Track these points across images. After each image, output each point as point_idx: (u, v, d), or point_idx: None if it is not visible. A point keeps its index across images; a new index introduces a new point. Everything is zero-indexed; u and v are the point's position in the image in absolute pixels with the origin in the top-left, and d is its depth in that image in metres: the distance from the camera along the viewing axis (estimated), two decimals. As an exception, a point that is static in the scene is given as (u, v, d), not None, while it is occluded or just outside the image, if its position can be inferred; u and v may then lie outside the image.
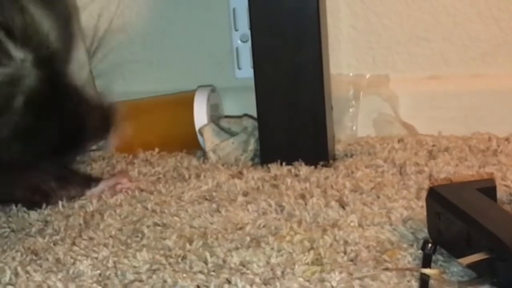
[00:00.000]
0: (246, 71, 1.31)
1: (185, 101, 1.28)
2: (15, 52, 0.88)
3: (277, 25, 1.15)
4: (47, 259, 0.89)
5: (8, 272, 0.85)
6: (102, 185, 1.11)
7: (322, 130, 1.16)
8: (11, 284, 0.82)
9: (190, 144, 1.28)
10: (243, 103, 1.30)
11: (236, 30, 1.33)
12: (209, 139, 1.24)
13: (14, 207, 1.06)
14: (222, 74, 1.35)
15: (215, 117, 1.29)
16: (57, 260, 0.88)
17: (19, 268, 0.86)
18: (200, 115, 1.27)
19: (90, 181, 1.12)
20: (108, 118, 1.05)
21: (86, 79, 1.09)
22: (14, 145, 0.90)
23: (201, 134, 1.25)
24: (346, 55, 1.32)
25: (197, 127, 1.26)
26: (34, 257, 0.90)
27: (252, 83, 1.18)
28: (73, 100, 0.95)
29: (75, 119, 0.96)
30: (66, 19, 0.96)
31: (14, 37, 0.88)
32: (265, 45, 1.16)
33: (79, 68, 1.01)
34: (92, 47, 1.08)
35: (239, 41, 1.33)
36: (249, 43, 1.28)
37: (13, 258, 0.89)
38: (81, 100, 0.97)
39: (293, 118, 1.17)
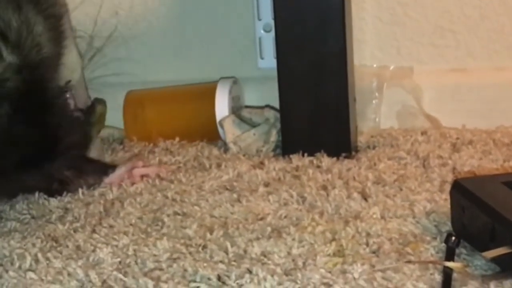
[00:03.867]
0: (269, 61, 1.30)
1: (207, 93, 1.28)
2: (6, 54, 0.87)
3: (301, 15, 1.14)
4: (67, 246, 0.89)
5: (29, 258, 0.85)
6: (119, 171, 1.10)
7: (345, 121, 1.15)
8: (32, 270, 0.82)
9: (211, 135, 1.28)
10: (264, 93, 1.29)
11: (259, 19, 1.32)
12: (229, 131, 1.23)
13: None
14: (244, 64, 1.34)
15: (236, 109, 1.29)
16: (77, 247, 0.88)
17: (39, 255, 0.86)
18: (222, 107, 1.26)
19: (106, 168, 1.12)
20: (85, 133, 1.04)
21: (78, 81, 1.09)
22: None
23: (222, 126, 1.25)
24: (370, 46, 1.31)
25: (218, 119, 1.26)
26: (54, 244, 0.89)
27: (274, 73, 1.17)
28: (53, 108, 0.94)
29: (53, 127, 0.95)
30: (58, 20, 0.96)
31: (7, 39, 0.87)
32: (289, 35, 1.15)
33: (70, 71, 1.01)
34: (89, 50, 1.08)
35: (262, 31, 1.32)
36: (272, 33, 1.27)
37: (34, 245, 0.89)
38: (60, 109, 0.96)
39: (315, 109, 1.16)
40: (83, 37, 1.18)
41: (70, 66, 1.04)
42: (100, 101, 1.24)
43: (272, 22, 1.24)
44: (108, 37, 1.14)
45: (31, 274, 0.81)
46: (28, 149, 0.92)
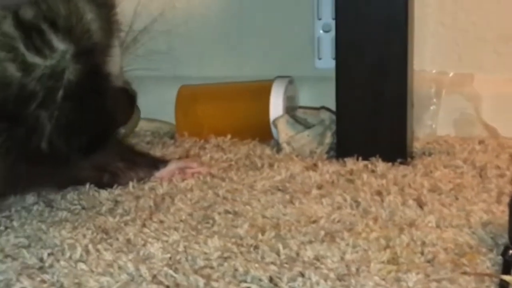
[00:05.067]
0: (327, 62, 1.29)
1: (262, 91, 1.27)
2: (58, 43, 0.87)
3: (363, 16, 1.12)
4: (118, 239, 0.88)
5: (79, 249, 0.84)
6: (170, 167, 1.10)
7: (402, 126, 1.14)
8: (82, 261, 0.82)
9: (263, 134, 1.27)
10: (320, 94, 1.28)
11: (319, 19, 1.31)
12: (283, 131, 1.22)
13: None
14: (301, 63, 1.33)
15: (291, 109, 1.28)
16: (128, 241, 0.88)
17: (90, 246, 0.85)
18: (276, 107, 1.25)
19: (157, 162, 1.11)
20: (132, 103, 1.04)
21: (117, 75, 1.09)
22: (55, 140, 0.89)
23: (275, 126, 1.24)
24: (430, 51, 1.30)
25: (271, 118, 1.25)
26: (104, 236, 0.89)
27: (331, 74, 1.16)
28: (110, 92, 0.94)
29: (111, 111, 0.95)
30: (109, 10, 0.95)
31: (57, 28, 0.87)
32: (349, 36, 1.13)
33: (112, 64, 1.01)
34: (127, 38, 1.07)
35: (321, 31, 1.31)
36: (331, 33, 1.26)
37: (84, 235, 0.89)
38: (115, 91, 0.96)
39: (372, 113, 1.14)
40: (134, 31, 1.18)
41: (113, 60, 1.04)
42: (137, 110, 1.25)
43: (331, 22, 1.23)
44: (144, 29, 1.13)
45: (81, 265, 0.81)
46: (88, 137, 0.92)
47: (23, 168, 0.91)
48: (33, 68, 0.85)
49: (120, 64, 1.10)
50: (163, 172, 1.10)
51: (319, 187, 1.04)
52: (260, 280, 0.77)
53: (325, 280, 0.76)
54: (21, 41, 0.85)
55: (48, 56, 0.86)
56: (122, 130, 1.15)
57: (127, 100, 1.07)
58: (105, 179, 1.07)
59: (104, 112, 0.93)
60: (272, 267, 0.80)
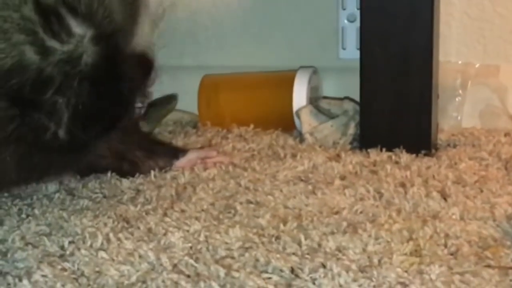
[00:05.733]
0: (351, 52, 1.28)
1: (285, 81, 1.26)
2: (76, 28, 0.86)
3: (389, 6, 1.11)
4: (139, 228, 0.88)
5: (100, 238, 0.84)
6: (189, 156, 1.09)
7: (426, 118, 1.12)
8: (103, 250, 0.81)
9: (286, 124, 1.26)
10: (344, 84, 1.27)
11: (344, 9, 1.30)
12: (306, 121, 1.21)
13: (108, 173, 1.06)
14: (325, 53, 1.32)
15: (314, 99, 1.27)
16: (149, 230, 0.87)
17: (111, 235, 0.85)
18: (300, 97, 1.25)
19: (177, 151, 1.11)
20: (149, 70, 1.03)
21: (148, 49, 1.08)
22: (73, 125, 0.88)
23: (298, 116, 1.23)
24: (456, 42, 1.28)
25: (295, 108, 1.24)
26: (125, 225, 0.89)
27: (356, 64, 1.14)
28: (129, 75, 0.93)
29: (130, 96, 0.94)
30: None
31: (76, 12, 0.86)
32: (374, 26, 1.12)
33: (141, 39, 1.00)
34: (157, 17, 1.06)
35: (345, 21, 1.30)
36: (355, 23, 1.25)
37: (105, 224, 0.89)
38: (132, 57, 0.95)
39: (397, 104, 1.13)
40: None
41: (141, 35, 1.03)
42: (173, 99, 1.25)
43: (356, 12, 1.22)
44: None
45: (102, 254, 0.80)
46: (106, 121, 0.92)
47: (37, 156, 0.90)
48: (51, 52, 0.85)
49: (148, 39, 1.09)
50: (182, 161, 1.09)
51: (342, 178, 1.04)
52: (281, 271, 0.77)
53: (347, 272, 0.75)
54: (40, 25, 0.84)
55: (65, 40, 0.85)
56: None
57: (143, 67, 1.06)
58: (125, 168, 1.06)
59: (122, 97, 0.93)
60: (294, 258, 0.79)
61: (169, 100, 1.32)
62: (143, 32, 1.01)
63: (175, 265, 0.78)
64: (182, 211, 0.93)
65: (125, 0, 0.93)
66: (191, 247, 0.83)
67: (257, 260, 0.79)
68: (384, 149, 1.13)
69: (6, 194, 1.00)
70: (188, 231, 0.87)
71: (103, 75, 0.88)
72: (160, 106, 1.30)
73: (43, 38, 0.85)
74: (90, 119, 0.89)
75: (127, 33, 0.94)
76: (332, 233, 0.85)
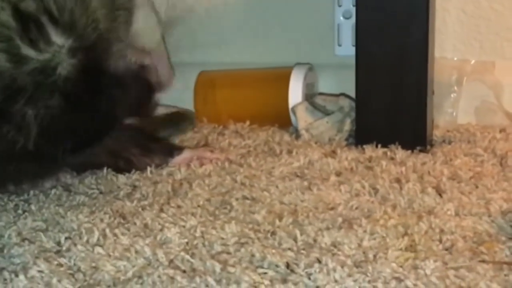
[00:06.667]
0: (347, 49, 1.28)
1: (281, 78, 1.26)
2: (55, 37, 0.85)
3: (385, 2, 1.11)
4: (135, 223, 0.88)
5: (97, 233, 0.84)
6: (185, 154, 1.10)
7: (422, 114, 1.13)
8: (99, 245, 0.82)
9: (282, 120, 1.27)
10: (340, 81, 1.27)
11: (339, 6, 1.30)
12: (302, 118, 1.22)
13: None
14: (321, 50, 1.32)
15: (310, 96, 1.27)
16: (145, 225, 0.88)
17: (107, 230, 0.85)
18: (295, 94, 1.25)
19: (173, 149, 1.11)
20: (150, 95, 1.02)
21: (158, 48, 1.08)
22: (42, 139, 0.87)
23: (294, 113, 1.23)
24: (452, 39, 1.28)
25: (290, 105, 1.24)
26: (122, 220, 0.89)
27: (351, 61, 1.15)
28: (111, 86, 0.91)
29: (108, 111, 0.93)
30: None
31: (57, 21, 0.84)
32: (369, 22, 1.12)
33: (148, 37, 0.99)
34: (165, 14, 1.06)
35: (341, 17, 1.30)
36: (351, 20, 1.25)
37: (102, 220, 0.89)
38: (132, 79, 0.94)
39: (392, 100, 1.13)
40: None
41: (148, 33, 1.02)
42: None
43: (352, 9, 1.22)
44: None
45: (98, 249, 0.81)
46: (85, 133, 0.91)
47: (12, 165, 0.89)
48: (25, 61, 0.83)
49: (159, 39, 1.08)
50: (177, 160, 1.09)
51: (338, 174, 1.04)
52: (277, 266, 0.77)
53: (342, 267, 0.76)
54: (17, 33, 0.83)
55: (42, 49, 0.84)
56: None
57: (143, 91, 1.05)
58: (120, 165, 1.07)
59: (100, 112, 0.91)
60: (289, 253, 0.79)
61: (184, 118, 1.30)
62: (147, 22, 1.01)
63: (171, 261, 0.78)
64: (178, 207, 0.93)
65: (112, 7, 0.91)
66: (187, 243, 0.83)
67: (252, 255, 0.79)
68: (379, 145, 1.13)
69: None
70: (184, 226, 0.87)
71: (77, 89, 0.87)
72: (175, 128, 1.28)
73: (18, 45, 0.83)
74: (60, 133, 0.88)
75: (113, 42, 0.92)
76: (328, 228, 0.86)
